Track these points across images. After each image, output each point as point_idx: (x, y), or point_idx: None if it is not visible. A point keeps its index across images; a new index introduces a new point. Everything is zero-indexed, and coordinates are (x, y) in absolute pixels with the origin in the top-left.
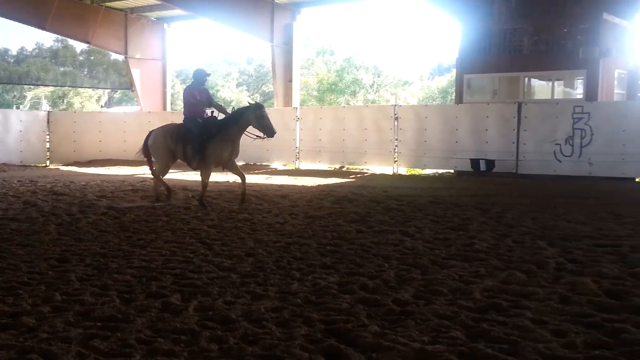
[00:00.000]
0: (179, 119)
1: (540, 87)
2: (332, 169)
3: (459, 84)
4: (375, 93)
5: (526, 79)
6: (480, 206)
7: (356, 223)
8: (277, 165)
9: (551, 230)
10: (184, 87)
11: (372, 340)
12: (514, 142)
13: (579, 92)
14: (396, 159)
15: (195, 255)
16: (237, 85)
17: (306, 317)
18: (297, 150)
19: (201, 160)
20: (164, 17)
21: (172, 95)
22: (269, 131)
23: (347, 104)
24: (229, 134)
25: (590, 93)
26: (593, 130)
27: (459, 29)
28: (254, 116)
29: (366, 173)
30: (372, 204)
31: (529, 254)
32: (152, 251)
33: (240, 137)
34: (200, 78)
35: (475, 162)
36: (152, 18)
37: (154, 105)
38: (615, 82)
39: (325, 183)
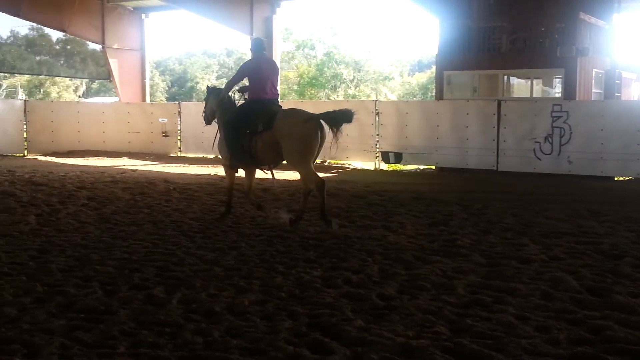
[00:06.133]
0: (159, 111)
1: (520, 85)
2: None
3: (439, 80)
4: (355, 88)
5: (505, 76)
6: (461, 202)
7: (339, 218)
8: None
9: (532, 227)
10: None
11: (356, 334)
12: (494, 139)
13: (557, 90)
14: (377, 155)
15: (177, 247)
16: (217, 78)
17: (290, 310)
18: None
19: None
20: (141, 7)
21: (152, 86)
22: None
23: (328, 98)
24: None
25: (569, 92)
26: (572, 128)
27: (438, 26)
28: None
29: (348, 168)
30: (355, 199)
31: (511, 250)
32: (133, 243)
33: None
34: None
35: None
36: (130, 8)
37: (133, 96)
38: (593, 81)
39: None
